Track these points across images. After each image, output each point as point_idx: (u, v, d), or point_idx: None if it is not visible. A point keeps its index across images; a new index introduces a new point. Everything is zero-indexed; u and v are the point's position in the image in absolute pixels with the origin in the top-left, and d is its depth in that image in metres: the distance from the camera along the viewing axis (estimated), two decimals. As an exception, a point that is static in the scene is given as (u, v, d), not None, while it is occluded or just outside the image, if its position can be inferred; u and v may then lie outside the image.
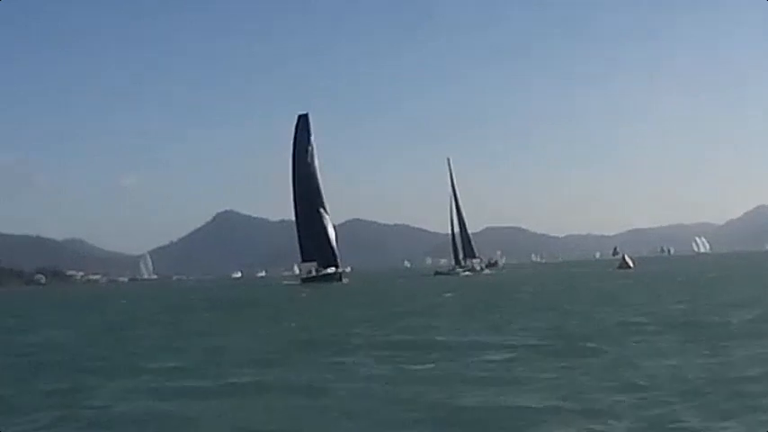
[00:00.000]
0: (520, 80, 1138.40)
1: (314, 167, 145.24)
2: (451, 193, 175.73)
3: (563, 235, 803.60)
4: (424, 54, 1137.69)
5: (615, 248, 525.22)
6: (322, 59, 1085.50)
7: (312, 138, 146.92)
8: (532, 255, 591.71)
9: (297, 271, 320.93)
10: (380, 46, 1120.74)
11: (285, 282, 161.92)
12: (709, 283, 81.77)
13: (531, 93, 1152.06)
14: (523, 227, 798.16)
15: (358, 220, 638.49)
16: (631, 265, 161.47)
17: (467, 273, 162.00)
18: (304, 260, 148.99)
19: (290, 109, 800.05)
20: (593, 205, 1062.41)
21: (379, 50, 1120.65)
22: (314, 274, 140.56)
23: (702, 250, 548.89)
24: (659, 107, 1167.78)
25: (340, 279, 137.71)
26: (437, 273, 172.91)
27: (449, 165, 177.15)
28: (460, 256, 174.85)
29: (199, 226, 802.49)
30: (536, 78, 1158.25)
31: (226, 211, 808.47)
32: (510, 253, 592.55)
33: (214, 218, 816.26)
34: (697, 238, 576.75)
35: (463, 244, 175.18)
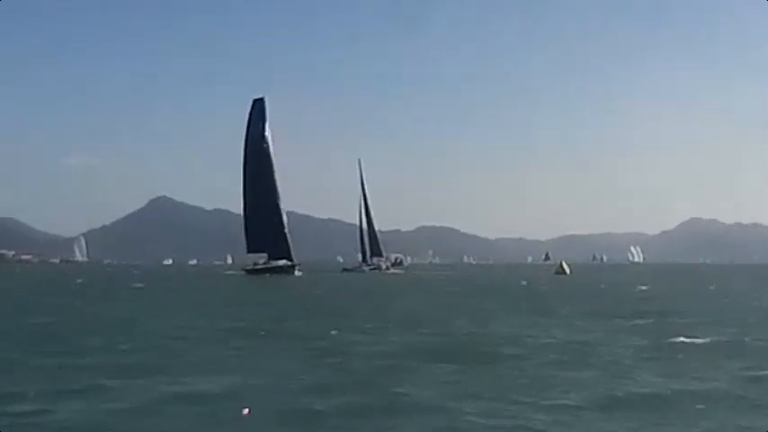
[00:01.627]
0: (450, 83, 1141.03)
1: (269, 155, 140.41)
2: (361, 194, 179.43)
3: (495, 237, 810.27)
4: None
5: (547, 254, 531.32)
6: (270, 41, 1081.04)
7: (267, 124, 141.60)
8: (464, 256, 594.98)
9: (230, 260, 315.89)
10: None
11: (226, 272, 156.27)
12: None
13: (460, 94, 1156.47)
14: (456, 227, 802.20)
15: (292, 212, 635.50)
16: (568, 271, 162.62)
17: (373, 270, 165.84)
18: (251, 251, 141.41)
19: (231, 93, 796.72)
20: (525, 208, 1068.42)
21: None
22: (260, 265, 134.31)
23: (636, 260, 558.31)
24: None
25: (293, 272, 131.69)
26: (344, 270, 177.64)
27: (359, 165, 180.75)
28: (368, 254, 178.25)
29: (133, 210, 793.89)
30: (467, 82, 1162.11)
31: (160, 197, 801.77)
32: (442, 253, 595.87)
33: (148, 203, 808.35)
34: (632, 248, 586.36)
35: (371, 242, 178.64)
